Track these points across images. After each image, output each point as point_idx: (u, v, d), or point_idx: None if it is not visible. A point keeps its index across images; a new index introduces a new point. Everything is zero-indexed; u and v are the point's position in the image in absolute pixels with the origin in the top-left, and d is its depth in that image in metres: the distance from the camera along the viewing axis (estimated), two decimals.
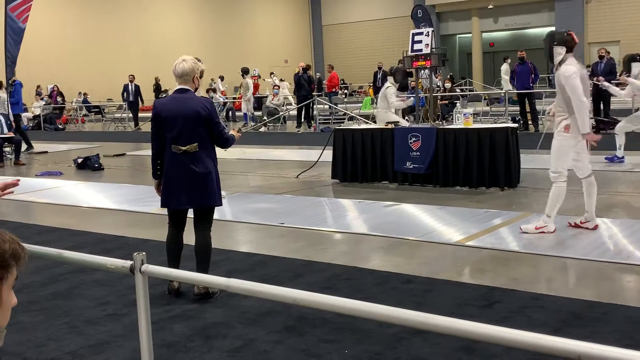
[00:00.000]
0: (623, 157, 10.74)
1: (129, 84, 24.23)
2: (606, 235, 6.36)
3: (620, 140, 10.76)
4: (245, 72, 22.19)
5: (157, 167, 5.16)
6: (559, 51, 6.23)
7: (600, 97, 14.85)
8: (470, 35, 40.82)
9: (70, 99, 30.73)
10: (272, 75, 31.35)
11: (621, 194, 8.52)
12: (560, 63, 6.23)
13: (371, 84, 23.72)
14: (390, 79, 11.79)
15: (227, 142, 5.18)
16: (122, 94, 24.76)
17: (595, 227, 6.50)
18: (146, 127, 19.88)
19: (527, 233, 6.44)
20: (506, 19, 39.45)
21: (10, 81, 17.45)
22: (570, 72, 6.10)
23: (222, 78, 31.78)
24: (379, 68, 22.94)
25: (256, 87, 23.35)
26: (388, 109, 11.41)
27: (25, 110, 28.28)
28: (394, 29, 40.52)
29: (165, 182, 5.07)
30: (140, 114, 24.82)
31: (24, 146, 16.01)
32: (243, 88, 22.38)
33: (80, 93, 30.45)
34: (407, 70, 11.09)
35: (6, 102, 17.27)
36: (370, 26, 43.28)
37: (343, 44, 44.70)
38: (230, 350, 4.05)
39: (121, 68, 34.16)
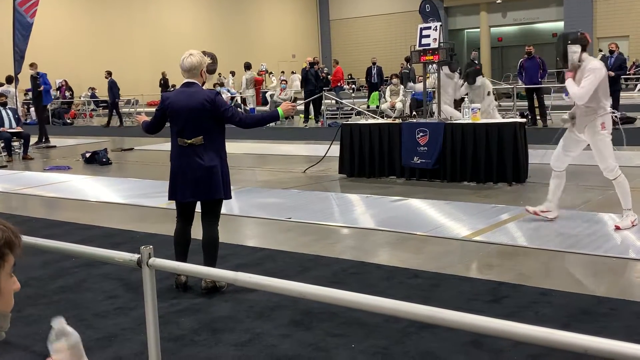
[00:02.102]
0: None
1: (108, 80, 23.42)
2: (612, 231, 6.33)
3: None
4: (247, 67, 22.10)
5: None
6: (574, 49, 6.18)
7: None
8: (478, 30, 40.66)
9: (79, 94, 30.79)
10: (271, 76, 30.99)
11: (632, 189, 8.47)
12: (579, 61, 6.16)
13: (387, 78, 23.44)
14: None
15: (242, 122, 5.14)
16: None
17: (555, 218, 6.64)
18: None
19: (623, 229, 6.26)
20: (514, 14, 39.27)
21: (34, 74, 17.47)
22: (598, 65, 6.11)
23: (232, 73, 31.68)
24: (373, 64, 22.89)
25: (259, 81, 23.12)
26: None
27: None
28: (401, 24, 40.40)
29: (172, 175, 5.09)
30: (145, 109, 24.64)
31: (33, 140, 16.04)
32: (247, 82, 22.33)
33: (89, 88, 30.50)
34: (478, 68, 11.06)
35: (15, 97, 17.37)
36: (378, 21, 43.17)
37: (351, 38, 44.61)
38: (237, 344, 4.06)
39: (129, 63, 34.24)
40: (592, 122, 6.20)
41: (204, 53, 8.28)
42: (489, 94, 10.96)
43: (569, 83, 6.16)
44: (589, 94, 6.10)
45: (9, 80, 17.77)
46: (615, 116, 6.52)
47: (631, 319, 4.20)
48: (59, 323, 1.54)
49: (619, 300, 4.52)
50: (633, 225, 6.29)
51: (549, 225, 6.58)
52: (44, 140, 17.55)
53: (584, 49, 6.21)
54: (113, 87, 22.73)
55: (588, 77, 6.06)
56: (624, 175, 6.34)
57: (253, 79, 22.26)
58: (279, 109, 5.21)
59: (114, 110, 23.26)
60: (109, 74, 23.21)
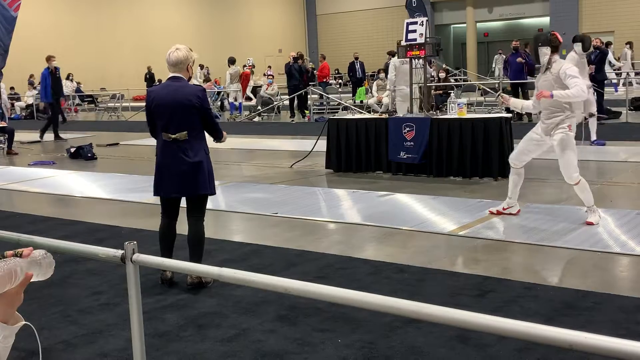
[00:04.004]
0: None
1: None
2: (600, 225, 6.37)
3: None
4: (231, 61, 21.95)
5: None
6: (545, 52, 6.29)
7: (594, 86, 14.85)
8: (464, 25, 40.76)
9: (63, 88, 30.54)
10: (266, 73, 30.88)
11: (617, 184, 8.53)
12: (549, 63, 6.27)
13: (374, 73, 23.32)
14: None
15: (219, 133, 5.18)
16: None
17: (518, 212, 6.83)
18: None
19: (595, 224, 6.33)
20: (501, 9, 39.39)
21: (52, 69, 17.30)
22: (573, 69, 6.16)
23: (201, 67, 31.20)
24: (356, 59, 22.85)
25: (246, 76, 22.90)
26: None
27: (19, 99, 28.20)
28: (388, 19, 40.43)
29: (157, 170, 5.06)
30: (130, 104, 24.39)
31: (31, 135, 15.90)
32: (231, 77, 22.20)
33: (71, 80, 30.21)
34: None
35: (1, 91, 17.22)
36: (365, 16, 43.16)
37: (337, 33, 44.59)
38: (223, 340, 4.04)
39: (115, 57, 34.05)
40: (558, 123, 6.29)
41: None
42: None
43: (558, 94, 6.09)
44: (583, 86, 6.17)
45: None
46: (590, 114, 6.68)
47: (615, 313, 4.22)
48: None
49: (603, 294, 4.55)
50: (600, 218, 6.42)
51: (534, 220, 6.61)
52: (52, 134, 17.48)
53: (554, 50, 6.31)
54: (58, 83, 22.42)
55: (570, 74, 6.09)
56: (583, 178, 6.40)
57: (238, 74, 22.09)
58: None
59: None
60: (56, 69, 22.92)
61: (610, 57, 20.85)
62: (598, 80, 14.64)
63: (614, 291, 4.63)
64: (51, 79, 17.19)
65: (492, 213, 6.93)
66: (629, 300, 4.45)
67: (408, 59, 12.02)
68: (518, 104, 7.13)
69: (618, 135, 12.60)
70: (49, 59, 17.31)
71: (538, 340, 1.71)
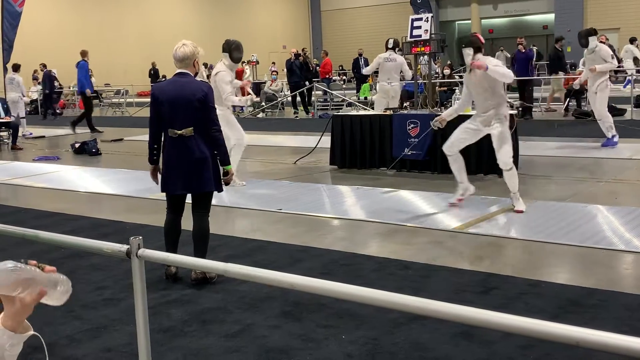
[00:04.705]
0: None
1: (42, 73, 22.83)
2: (602, 223, 6.36)
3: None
4: None
5: (153, 152, 5.14)
6: (468, 52, 6.64)
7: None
8: (469, 21, 40.65)
9: (68, 84, 30.57)
10: (244, 65, 30.73)
11: (622, 182, 8.52)
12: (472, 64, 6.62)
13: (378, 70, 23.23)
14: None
15: (217, 132, 5.00)
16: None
17: (472, 194, 7.23)
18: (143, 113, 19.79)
19: (524, 211, 6.74)
20: (505, 6, 39.28)
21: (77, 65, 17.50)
22: (494, 61, 6.68)
23: (205, 65, 31.31)
24: (360, 55, 22.80)
25: (238, 72, 22.72)
26: None
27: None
28: (393, 15, 40.30)
29: (164, 166, 5.07)
30: (134, 100, 24.40)
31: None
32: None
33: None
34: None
35: (19, 85, 17.37)
36: (369, 12, 43.08)
37: (342, 29, 44.52)
38: (227, 335, 4.05)
39: (119, 53, 34.06)
40: (497, 115, 6.67)
41: (229, 41, 8.26)
42: None
43: (492, 69, 6.46)
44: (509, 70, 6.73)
45: (16, 68, 17.67)
46: (515, 107, 6.91)
47: (620, 310, 4.22)
48: None
49: (608, 291, 4.54)
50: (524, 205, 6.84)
51: (538, 217, 6.60)
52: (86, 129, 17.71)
53: (477, 51, 6.65)
54: (50, 79, 22.43)
55: (495, 64, 6.57)
56: (515, 168, 6.88)
57: (237, 70, 22.05)
58: (229, 166, 5.13)
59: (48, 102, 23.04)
60: (44, 66, 22.94)
61: (635, 51, 20.79)
62: None
63: (619, 288, 4.63)
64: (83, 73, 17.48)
65: (452, 204, 7.21)
66: (633, 297, 4.44)
67: (394, 57, 12.35)
68: (450, 111, 7.45)
69: (623, 133, 12.57)
70: (85, 53, 17.42)
71: (545, 337, 1.71)
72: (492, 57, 8.35)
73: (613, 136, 11.04)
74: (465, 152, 8.96)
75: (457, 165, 7.16)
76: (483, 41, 6.84)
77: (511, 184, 6.83)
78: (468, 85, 6.91)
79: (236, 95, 8.34)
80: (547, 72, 18.56)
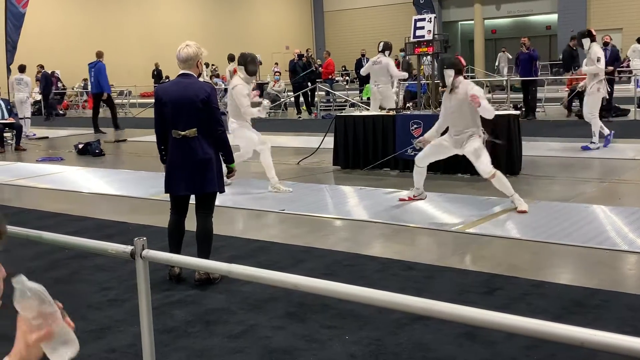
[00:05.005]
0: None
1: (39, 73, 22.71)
2: (605, 223, 6.36)
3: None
4: (231, 58, 21.83)
5: (162, 153, 5.17)
6: (449, 73, 6.75)
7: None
8: (472, 22, 40.62)
9: (71, 85, 30.63)
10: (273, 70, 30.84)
11: (625, 182, 8.51)
12: (453, 84, 6.75)
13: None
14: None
15: (221, 132, 5.07)
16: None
17: (425, 197, 7.54)
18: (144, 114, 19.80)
19: (526, 211, 6.74)
20: (508, 6, 39.24)
21: (93, 66, 17.51)
22: (476, 88, 6.69)
23: (207, 65, 31.34)
24: (362, 55, 22.79)
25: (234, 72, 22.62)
26: None
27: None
28: (396, 15, 40.30)
29: (168, 167, 5.08)
30: (137, 100, 24.38)
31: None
32: (230, 74, 22.14)
33: (83, 80, 30.33)
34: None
35: (28, 85, 17.50)
36: (372, 12, 43.07)
37: (345, 30, 44.51)
38: (231, 336, 4.05)
39: (122, 54, 34.06)
40: (469, 139, 6.85)
41: (244, 55, 8.30)
42: None
43: (483, 108, 6.57)
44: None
45: (22, 69, 17.79)
46: (484, 139, 7.07)
47: (623, 310, 4.21)
48: (21, 281, 1.53)
49: (611, 292, 4.54)
50: (525, 204, 6.83)
51: (541, 217, 6.60)
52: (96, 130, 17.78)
53: (458, 73, 6.77)
54: (47, 79, 22.43)
55: (481, 95, 6.61)
56: (498, 171, 6.92)
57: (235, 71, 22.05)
58: (233, 164, 5.32)
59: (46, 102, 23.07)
60: (41, 67, 22.95)
61: None
62: (609, 78, 14.56)
63: (622, 289, 4.63)
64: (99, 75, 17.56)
65: (402, 200, 7.55)
66: (637, 298, 4.44)
67: (381, 60, 12.67)
68: (433, 132, 7.47)
69: (626, 133, 12.55)
70: (101, 54, 17.46)
71: (548, 338, 1.71)
72: (495, 57, 8.40)
73: (597, 141, 10.95)
74: None
75: (420, 176, 7.47)
76: (465, 64, 7.01)
77: (503, 189, 6.89)
78: (446, 104, 7.01)
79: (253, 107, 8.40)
80: (562, 70, 18.57)
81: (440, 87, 7.81)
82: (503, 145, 8.36)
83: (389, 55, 13.14)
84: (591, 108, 10.90)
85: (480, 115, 6.76)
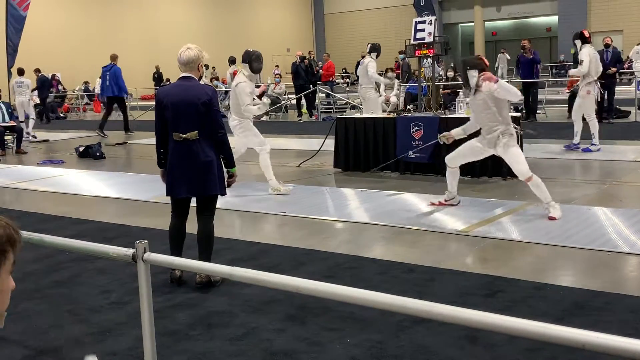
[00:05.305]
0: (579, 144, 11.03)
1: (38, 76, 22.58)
2: (607, 225, 6.35)
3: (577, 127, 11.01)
4: (232, 61, 21.82)
5: (161, 156, 5.16)
6: (473, 74, 6.72)
7: (605, 86, 14.75)
8: (472, 24, 40.67)
9: (72, 87, 30.67)
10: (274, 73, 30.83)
11: (627, 184, 8.51)
12: (477, 85, 6.69)
13: (382, 72, 23.30)
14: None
15: (222, 135, 5.05)
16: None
17: (459, 203, 7.37)
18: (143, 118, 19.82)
19: (558, 218, 6.60)
20: (509, 8, 39.29)
21: (109, 69, 17.59)
22: (495, 86, 6.50)
23: (206, 67, 31.28)
24: (363, 57, 22.79)
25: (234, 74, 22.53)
26: None
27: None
28: (396, 18, 40.37)
29: (169, 170, 5.08)
30: (138, 103, 24.44)
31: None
32: (231, 77, 22.15)
33: (84, 82, 30.39)
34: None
35: (29, 87, 17.61)
36: (373, 14, 43.13)
37: (345, 32, 44.56)
38: (232, 339, 4.05)
39: (123, 57, 34.01)
40: (502, 134, 6.72)
41: (249, 52, 8.31)
42: None
43: (506, 85, 6.61)
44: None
45: (21, 72, 17.87)
46: (519, 131, 7.15)
47: (625, 313, 4.21)
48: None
49: (613, 294, 4.53)
50: (561, 212, 6.66)
51: (543, 219, 6.59)
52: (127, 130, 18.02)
53: (482, 72, 6.72)
54: (44, 84, 22.43)
55: (507, 92, 6.55)
56: (536, 176, 6.76)
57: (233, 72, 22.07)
58: (233, 169, 5.27)
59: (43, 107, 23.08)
60: (38, 71, 22.93)
61: None
62: (611, 80, 14.55)
63: (624, 291, 4.62)
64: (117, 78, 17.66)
65: (433, 204, 7.41)
66: (639, 300, 4.43)
67: (363, 61, 12.88)
68: (459, 131, 7.40)
69: (627, 135, 12.55)
70: (116, 57, 17.53)
71: (550, 340, 1.71)
72: (495, 59, 8.43)
73: (578, 143, 10.97)
74: None
75: (453, 177, 7.31)
76: (488, 64, 6.93)
77: (540, 194, 6.70)
78: (473, 106, 6.97)
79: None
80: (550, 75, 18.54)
81: (463, 88, 7.66)
82: (535, 135, 8.38)
83: (377, 57, 13.29)
84: (586, 111, 10.90)
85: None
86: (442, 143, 7.63)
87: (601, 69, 11.11)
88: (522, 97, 6.90)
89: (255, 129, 8.61)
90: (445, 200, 7.39)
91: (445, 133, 7.41)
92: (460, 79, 6.86)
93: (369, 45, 13.31)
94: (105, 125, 17.61)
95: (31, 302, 4.83)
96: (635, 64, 22.35)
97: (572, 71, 11.08)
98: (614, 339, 1.59)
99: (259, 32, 41.57)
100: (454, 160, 7.23)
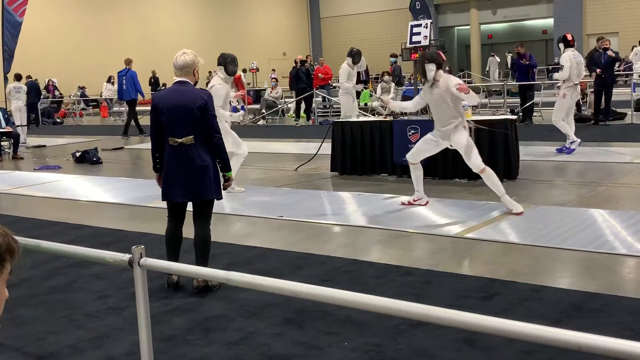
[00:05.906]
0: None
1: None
2: (603, 227, 6.36)
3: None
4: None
5: (156, 160, 5.16)
6: (430, 68, 6.88)
7: (602, 88, 14.80)
8: (468, 27, 40.73)
9: (68, 93, 30.64)
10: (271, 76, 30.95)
11: (623, 186, 8.52)
12: (435, 79, 6.88)
13: (378, 76, 23.42)
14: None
15: (218, 139, 5.04)
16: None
17: (427, 203, 7.53)
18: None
19: (522, 212, 6.90)
20: (505, 11, 39.34)
21: (124, 74, 17.77)
22: (456, 81, 6.81)
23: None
24: None
25: (237, 79, 22.45)
26: None
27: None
28: (392, 21, 40.41)
29: (165, 175, 5.07)
30: (137, 108, 24.37)
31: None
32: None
33: (79, 87, 30.36)
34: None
35: (23, 94, 17.66)
36: (369, 18, 43.16)
37: (341, 36, 44.55)
38: (229, 344, 4.05)
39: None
40: (455, 127, 6.95)
41: (224, 55, 8.31)
42: None
43: (470, 96, 6.77)
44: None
45: (19, 77, 17.95)
46: (470, 127, 7.28)
47: (622, 314, 4.21)
48: None
49: (610, 296, 4.54)
50: (518, 204, 6.95)
51: (540, 222, 6.60)
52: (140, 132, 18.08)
53: (439, 67, 6.92)
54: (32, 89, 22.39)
55: (461, 84, 6.75)
56: (488, 167, 7.05)
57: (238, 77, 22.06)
58: (229, 173, 5.24)
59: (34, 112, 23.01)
60: (28, 77, 22.86)
61: None
62: (608, 82, 14.60)
63: (621, 293, 4.62)
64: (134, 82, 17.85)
65: (403, 204, 7.61)
66: (636, 301, 4.44)
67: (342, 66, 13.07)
68: (397, 105, 7.83)
69: (623, 137, 12.58)
70: (130, 61, 17.76)
71: (547, 343, 1.71)
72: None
73: (572, 142, 10.97)
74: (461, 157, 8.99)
75: (416, 174, 7.52)
76: (444, 59, 7.16)
77: (493, 187, 7.00)
78: (426, 97, 7.15)
79: (239, 105, 8.44)
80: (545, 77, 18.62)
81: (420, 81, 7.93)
82: (504, 134, 8.58)
83: (353, 62, 13.41)
84: (556, 112, 11.08)
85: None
86: (380, 104, 7.95)
87: (583, 73, 11.25)
88: (479, 102, 7.12)
89: (233, 132, 8.67)
90: (414, 200, 7.59)
91: (382, 97, 7.69)
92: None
93: (349, 49, 13.47)
94: (133, 126, 17.94)
95: (28, 308, 4.82)
96: (635, 66, 22.40)
97: (555, 75, 11.26)
98: (610, 341, 1.59)
99: (255, 36, 41.58)
100: (414, 157, 7.45)
